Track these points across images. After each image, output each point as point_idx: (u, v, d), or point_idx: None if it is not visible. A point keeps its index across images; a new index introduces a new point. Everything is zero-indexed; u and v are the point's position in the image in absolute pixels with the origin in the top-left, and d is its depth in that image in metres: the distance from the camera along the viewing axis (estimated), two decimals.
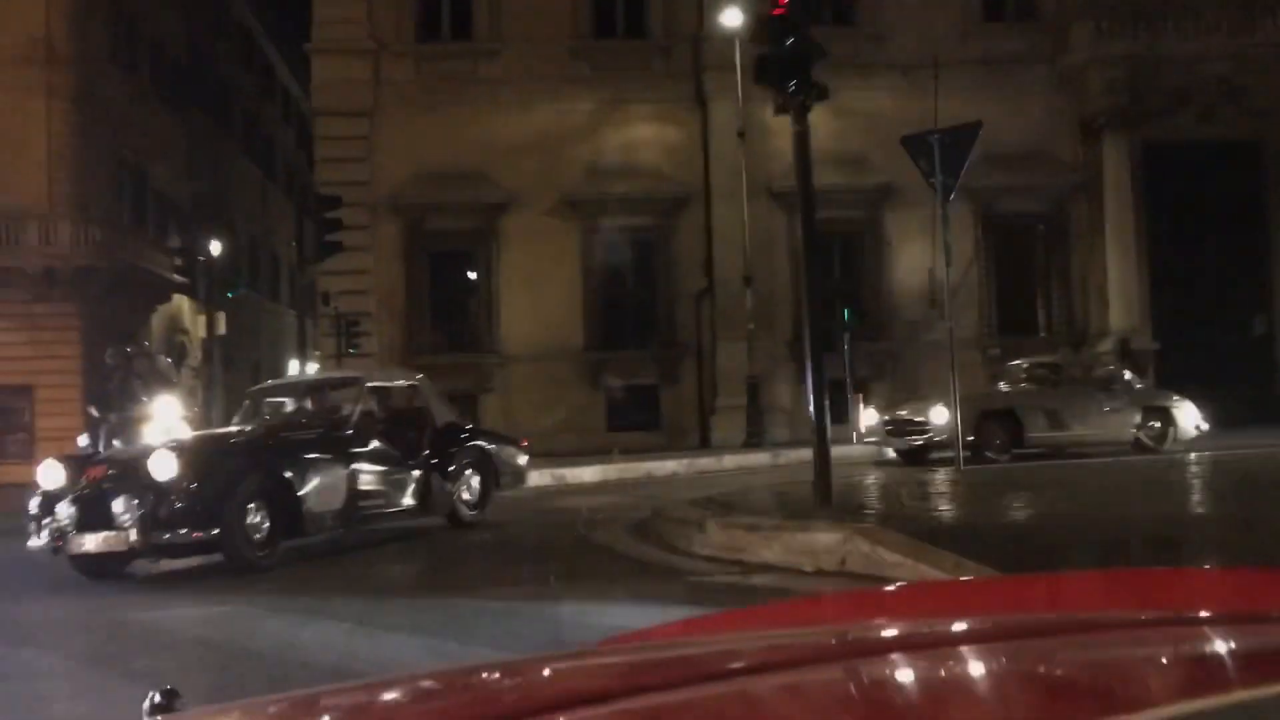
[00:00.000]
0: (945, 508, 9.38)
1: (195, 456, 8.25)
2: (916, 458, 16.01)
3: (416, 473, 9.95)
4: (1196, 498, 10.09)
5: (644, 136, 25.27)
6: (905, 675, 1.11)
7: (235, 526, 8.07)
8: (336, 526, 9.20)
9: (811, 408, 8.93)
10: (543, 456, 16.35)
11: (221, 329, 34.09)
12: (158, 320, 32.07)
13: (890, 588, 3.05)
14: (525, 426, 22.88)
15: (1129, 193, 24.71)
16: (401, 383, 11.56)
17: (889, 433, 16.59)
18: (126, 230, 29.85)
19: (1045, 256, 25.69)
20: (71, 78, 28.09)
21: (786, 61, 8.48)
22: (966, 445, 13.76)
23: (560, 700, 1.04)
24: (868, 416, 18.67)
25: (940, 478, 12.39)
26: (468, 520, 10.47)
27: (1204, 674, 1.08)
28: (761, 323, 24.02)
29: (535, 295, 24.66)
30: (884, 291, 25.29)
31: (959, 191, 25.80)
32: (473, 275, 25.05)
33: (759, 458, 19.86)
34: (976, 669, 1.11)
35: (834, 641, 1.29)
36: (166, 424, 12.07)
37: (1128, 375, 18.09)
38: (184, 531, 7.92)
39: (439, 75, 24.87)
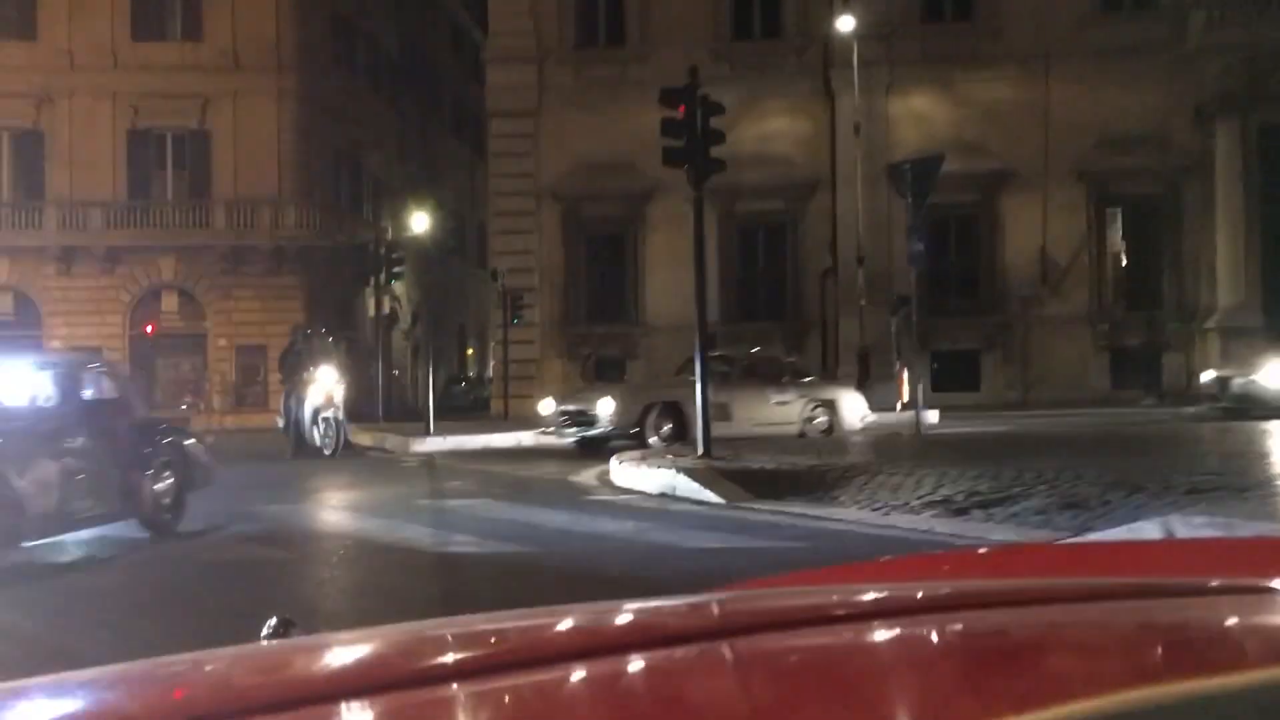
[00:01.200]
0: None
1: None
2: (594, 448, 15.38)
3: (120, 470, 8.52)
4: None
5: (777, 128, 28.43)
6: (1010, 630, 1.14)
7: None
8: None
9: (700, 401, 11.74)
10: None
11: (402, 299, 39.25)
12: (370, 290, 37.43)
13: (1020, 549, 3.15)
14: None
15: (1240, 175, 26.23)
16: (100, 366, 9.94)
17: (563, 424, 16.24)
18: (344, 212, 35.22)
19: (1158, 236, 27.46)
20: (297, 82, 33.44)
21: (686, 150, 11.86)
22: (631, 436, 14.92)
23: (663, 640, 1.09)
24: (544, 405, 17.58)
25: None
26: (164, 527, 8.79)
27: None
28: (878, 298, 26.94)
29: (676, 273, 28.31)
30: (997, 270, 27.70)
31: (1072, 173, 28.19)
32: (622, 255, 28.95)
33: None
34: (1082, 629, 1.13)
35: (937, 594, 1.32)
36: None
37: (797, 368, 18.94)
38: None
39: (594, 78, 28.73)
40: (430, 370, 20.80)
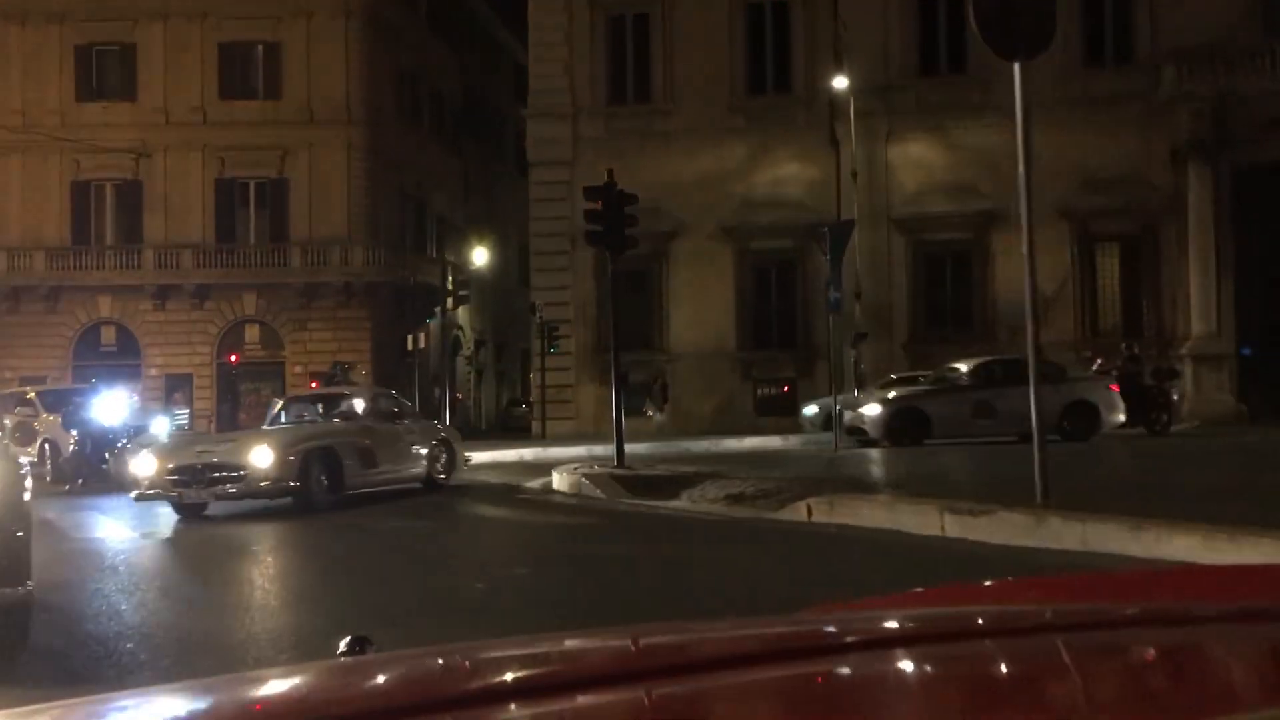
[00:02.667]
0: None
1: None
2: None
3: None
4: None
5: (787, 174, 31.95)
6: (1079, 659, 1.15)
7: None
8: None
9: (615, 419, 15.46)
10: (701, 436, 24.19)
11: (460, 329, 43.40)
12: (434, 322, 41.68)
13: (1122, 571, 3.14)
14: (688, 410, 30.54)
15: (1210, 213, 29.05)
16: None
17: (177, 483, 12.34)
18: (408, 250, 39.55)
19: (1137, 270, 30.35)
20: (364, 135, 37.87)
21: (604, 234, 15.54)
22: (291, 491, 12.50)
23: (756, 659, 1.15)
24: (142, 464, 12.89)
25: None
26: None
27: None
28: (881, 328, 30.28)
29: (697, 305, 31.99)
30: (988, 301, 30.84)
31: (1057, 213, 31.31)
32: (649, 288, 32.69)
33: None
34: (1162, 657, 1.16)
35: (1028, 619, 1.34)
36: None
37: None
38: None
39: (623, 130, 32.55)
40: (447, 391, 24.72)
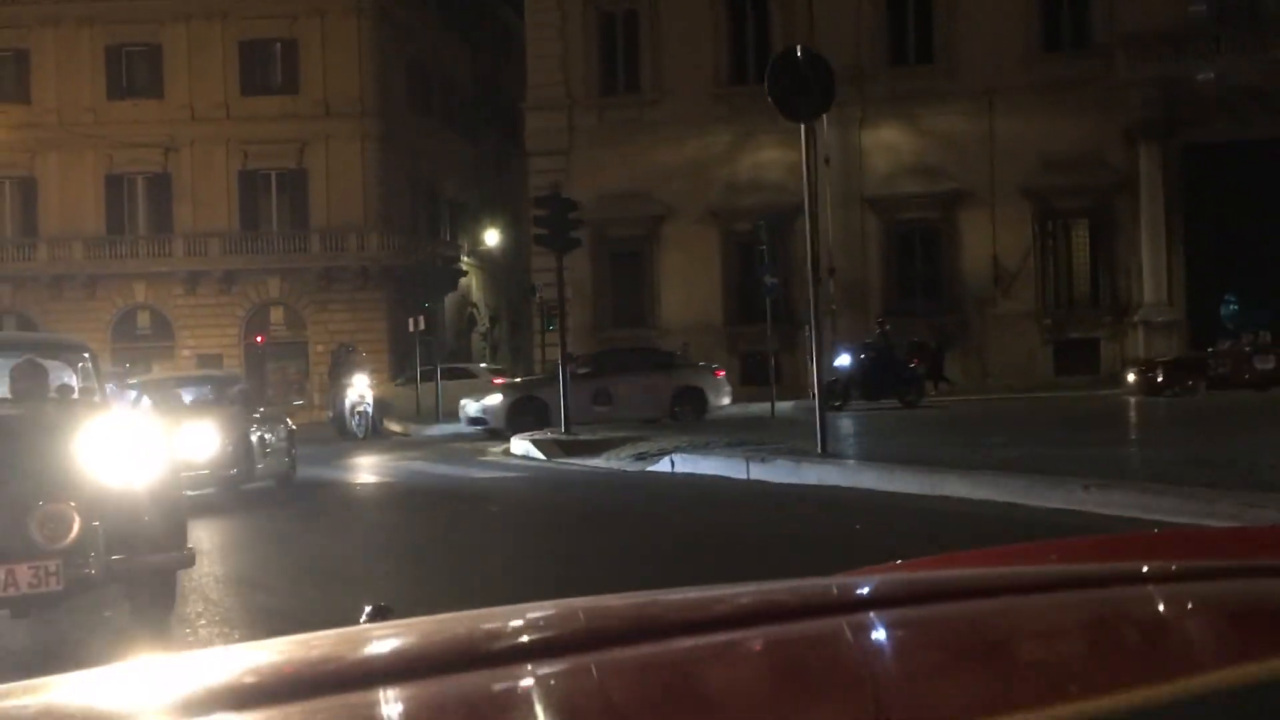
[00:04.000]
0: None
1: None
2: None
3: None
4: None
5: (769, 159, 34.60)
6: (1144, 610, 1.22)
7: None
8: None
9: (562, 392, 18.48)
10: None
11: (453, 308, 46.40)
12: (451, 298, 44.81)
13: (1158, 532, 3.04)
14: None
15: (1161, 190, 31.53)
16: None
17: None
18: (422, 234, 42.62)
19: (1093, 244, 32.89)
20: (378, 125, 40.89)
21: (551, 236, 18.42)
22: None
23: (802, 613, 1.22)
24: None
25: None
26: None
27: None
28: (856, 303, 33.03)
29: (687, 283, 34.83)
30: (956, 275, 33.48)
31: (1019, 191, 33.76)
32: (640, 269, 35.57)
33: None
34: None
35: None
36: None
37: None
38: None
39: (616, 120, 35.35)
40: (427, 368, 27.72)
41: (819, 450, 10.76)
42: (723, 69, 35.06)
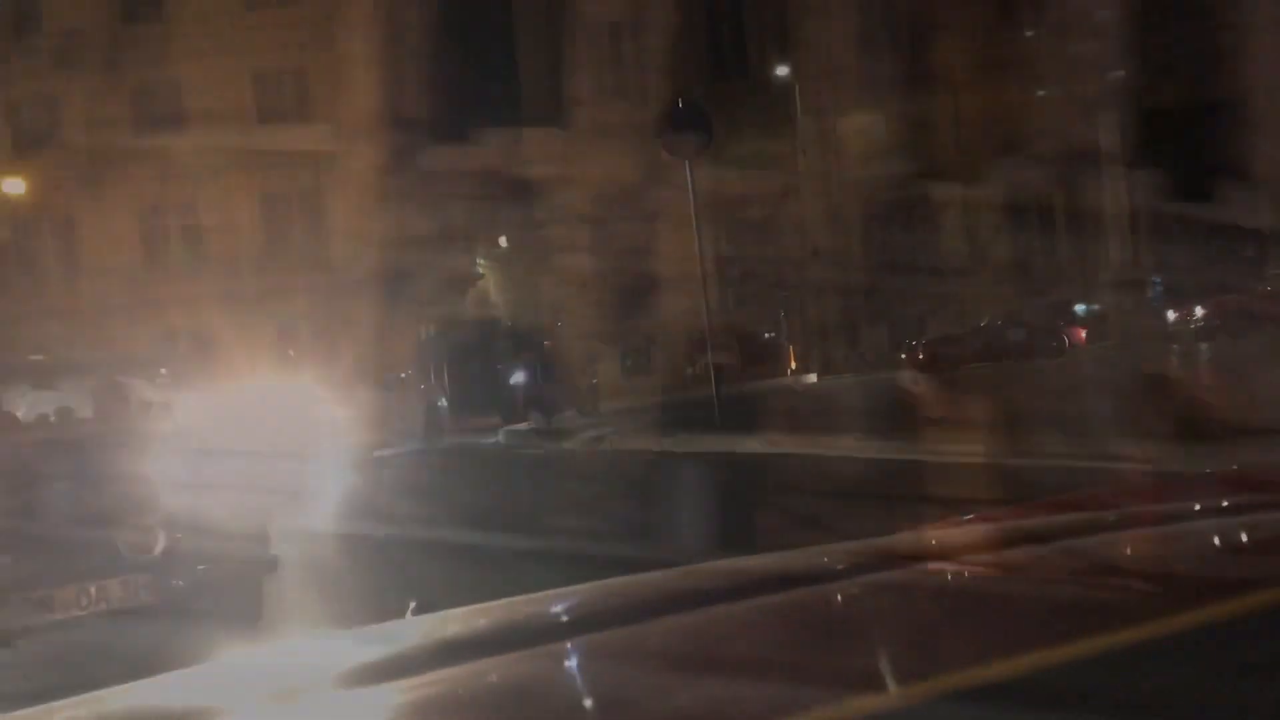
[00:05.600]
0: None
1: None
2: None
3: None
4: None
5: (754, 149, 37.25)
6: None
7: None
8: None
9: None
10: None
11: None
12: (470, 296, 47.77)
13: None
14: None
15: (1119, 154, 33.96)
16: None
17: None
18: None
19: (1062, 213, 35.37)
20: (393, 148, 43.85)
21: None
22: None
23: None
24: None
25: None
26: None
27: None
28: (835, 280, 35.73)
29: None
30: (930, 251, 36.06)
31: (989, 169, 35.61)
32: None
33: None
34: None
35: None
36: None
37: None
38: None
39: (608, 123, 38.15)
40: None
41: (718, 422, 13.60)
42: (705, 67, 37.82)
